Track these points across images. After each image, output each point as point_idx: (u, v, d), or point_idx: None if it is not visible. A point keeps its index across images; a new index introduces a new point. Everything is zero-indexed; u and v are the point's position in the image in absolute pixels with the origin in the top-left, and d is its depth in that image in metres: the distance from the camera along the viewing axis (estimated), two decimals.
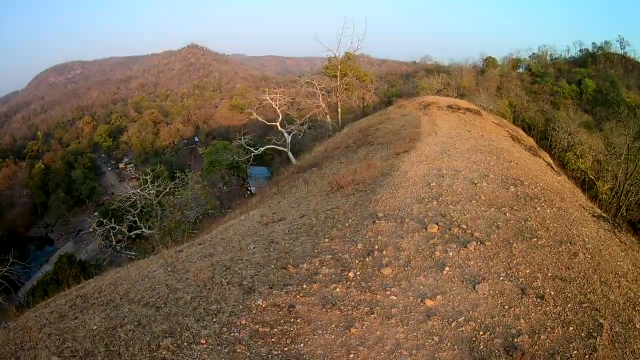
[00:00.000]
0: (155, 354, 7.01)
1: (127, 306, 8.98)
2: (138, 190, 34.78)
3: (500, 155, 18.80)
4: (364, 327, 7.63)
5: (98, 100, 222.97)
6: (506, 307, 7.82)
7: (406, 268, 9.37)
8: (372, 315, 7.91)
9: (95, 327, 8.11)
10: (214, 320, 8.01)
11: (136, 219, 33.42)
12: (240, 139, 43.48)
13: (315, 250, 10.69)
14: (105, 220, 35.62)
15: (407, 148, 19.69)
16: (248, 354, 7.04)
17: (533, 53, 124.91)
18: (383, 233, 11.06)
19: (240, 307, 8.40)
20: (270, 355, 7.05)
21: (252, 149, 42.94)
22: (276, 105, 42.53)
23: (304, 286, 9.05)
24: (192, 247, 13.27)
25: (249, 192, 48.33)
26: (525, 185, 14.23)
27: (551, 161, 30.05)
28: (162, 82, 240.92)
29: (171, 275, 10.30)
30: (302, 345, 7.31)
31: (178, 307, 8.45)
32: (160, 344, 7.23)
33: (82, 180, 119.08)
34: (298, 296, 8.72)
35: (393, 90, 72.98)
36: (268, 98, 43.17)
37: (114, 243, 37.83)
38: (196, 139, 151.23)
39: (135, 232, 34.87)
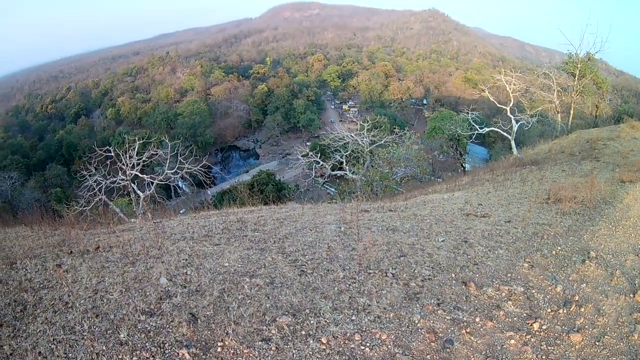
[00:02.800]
0: (263, 328, 5.99)
1: (273, 255, 8.19)
2: (353, 134, 35.73)
3: None
4: None
5: (332, 42, 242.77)
6: None
7: (597, 343, 6.70)
8: None
9: (227, 264, 7.55)
10: (353, 318, 6.49)
11: (343, 160, 34.28)
12: (467, 113, 42.11)
13: (509, 274, 8.45)
14: (311, 153, 37.95)
15: (633, 178, 17.13)
16: None
17: None
18: (589, 281, 8.45)
19: (391, 315, 6.69)
20: None
21: (477, 126, 41.26)
22: (510, 89, 40.08)
23: (477, 319, 6.89)
24: (381, 212, 12.31)
25: (462, 168, 48.26)
26: None
27: None
28: (399, 39, 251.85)
29: (339, 238, 9.28)
30: None
31: (322, 282, 7.23)
32: (277, 319, 6.15)
33: (302, 110, 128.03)
34: (465, 330, 6.59)
35: (625, 107, 65.05)
36: (503, 80, 40.97)
37: (315, 176, 40.33)
38: (424, 101, 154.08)
39: (338, 172, 35.95)
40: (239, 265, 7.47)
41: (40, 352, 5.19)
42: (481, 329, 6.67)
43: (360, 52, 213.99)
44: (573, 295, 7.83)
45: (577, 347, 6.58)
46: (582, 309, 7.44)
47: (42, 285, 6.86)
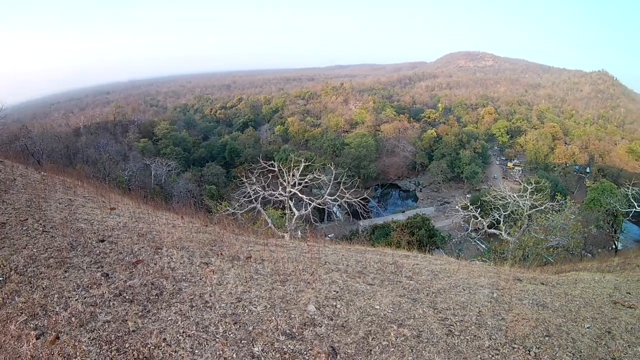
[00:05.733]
0: None
1: (425, 308, 7.95)
2: (515, 195, 35.70)
3: None
4: None
5: (504, 96, 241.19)
6: None
7: None
8: None
9: (377, 307, 7.54)
10: None
11: (501, 219, 34.31)
12: (628, 187, 40.08)
13: None
14: (471, 207, 38.44)
15: None
16: None
17: None
18: None
19: None
20: None
21: (636, 203, 39.18)
22: None
23: None
24: (533, 283, 11.90)
25: (614, 247, 47.07)
26: None
27: None
28: (569, 100, 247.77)
29: (490, 304, 9.00)
30: None
31: (467, 347, 6.84)
32: None
33: (467, 161, 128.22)
34: None
35: None
36: None
37: (470, 229, 40.44)
38: (588, 170, 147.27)
39: (493, 230, 35.67)
40: (389, 311, 7.35)
41: (165, 339, 5.33)
42: None
43: (530, 109, 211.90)
44: None
45: None
46: None
47: (184, 278, 7.15)
